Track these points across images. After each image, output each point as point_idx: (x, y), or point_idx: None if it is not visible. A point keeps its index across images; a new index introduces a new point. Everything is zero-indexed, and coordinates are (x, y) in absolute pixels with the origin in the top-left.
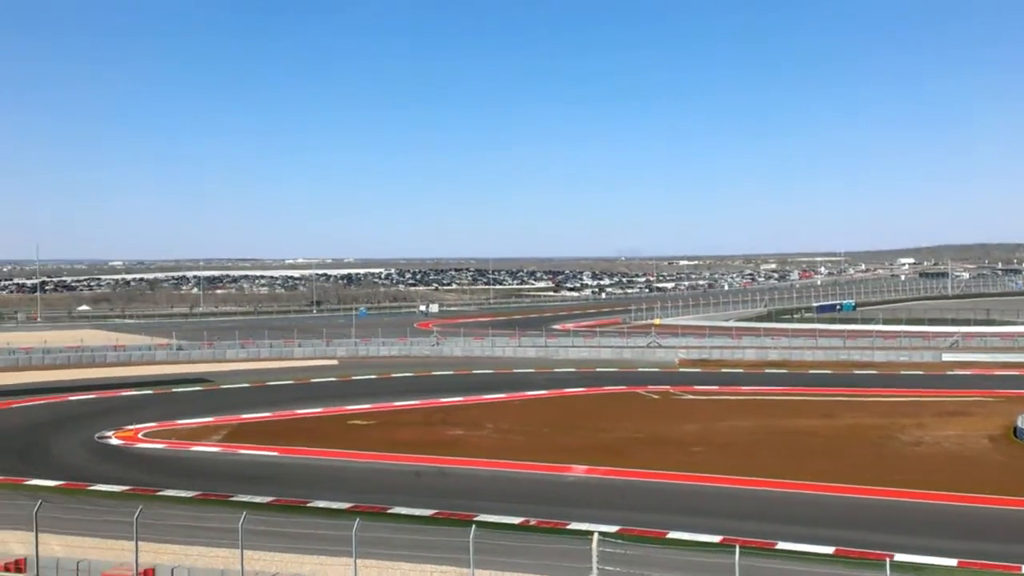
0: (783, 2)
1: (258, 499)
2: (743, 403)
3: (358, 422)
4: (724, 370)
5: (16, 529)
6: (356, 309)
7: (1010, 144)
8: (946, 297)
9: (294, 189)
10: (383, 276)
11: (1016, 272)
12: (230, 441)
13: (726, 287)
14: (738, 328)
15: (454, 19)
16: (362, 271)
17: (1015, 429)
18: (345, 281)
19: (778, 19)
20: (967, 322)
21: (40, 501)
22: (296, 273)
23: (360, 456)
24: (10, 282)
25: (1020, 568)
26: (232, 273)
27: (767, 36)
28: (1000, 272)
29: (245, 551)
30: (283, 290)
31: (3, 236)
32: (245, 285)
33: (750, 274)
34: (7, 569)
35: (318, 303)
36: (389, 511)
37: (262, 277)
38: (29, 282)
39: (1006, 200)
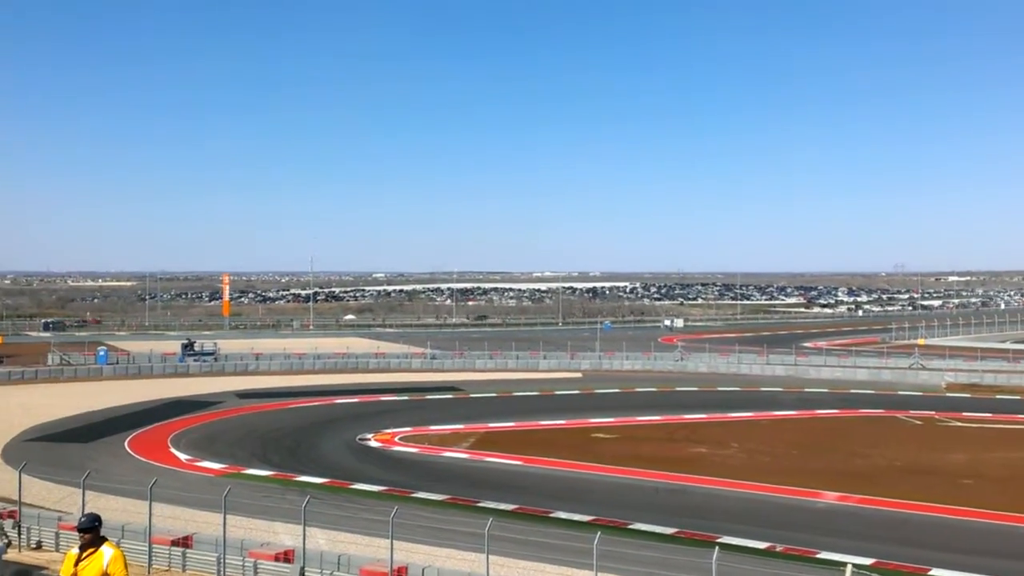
0: None
1: (503, 506)
2: (1021, 433)
3: (600, 435)
4: (999, 396)
5: (287, 522)
6: (601, 323)
7: None
8: None
9: (542, 204)
10: (628, 290)
11: None
12: (477, 448)
13: (1002, 305)
14: (1016, 351)
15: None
16: (607, 285)
17: None
18: (590, 295)
19: None
20: None
21: (308, 497)
22: (543, 286)
23: (602, 470)
24: (288, 292)
25: None
26: (483, 285)
27: None
28: None
29: (491, 556)
30: (530, 303)
31: (283, 250)
32: (495, 297)
33: None
34: (277, 559)
35: (564, 316)
36: (630, 527)
37: (511, 290)
38: (303, 292)
39: None
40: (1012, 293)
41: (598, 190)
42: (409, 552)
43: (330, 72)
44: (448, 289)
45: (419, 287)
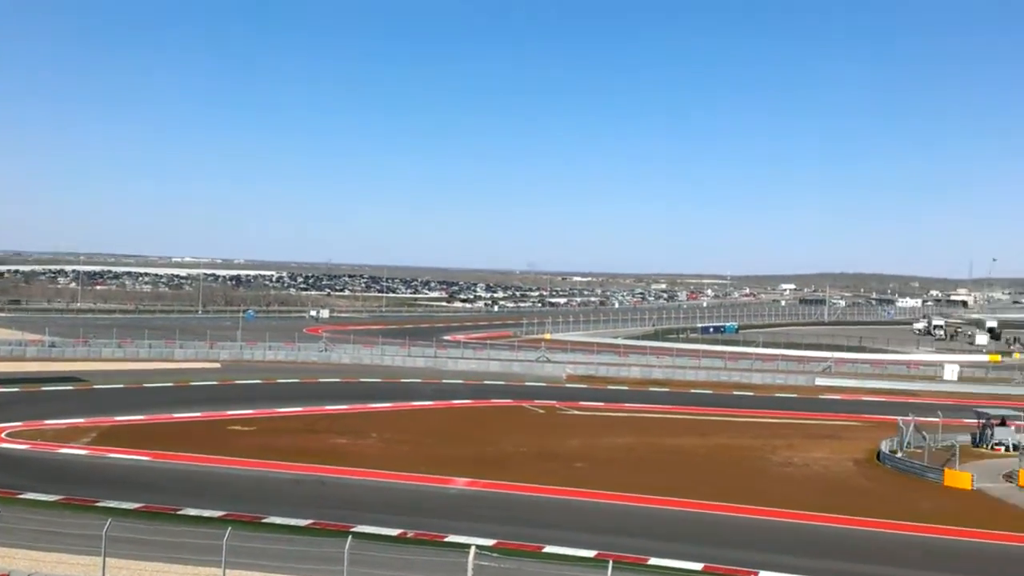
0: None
1: (125, 505)
2: (625, 420)
3: (238, 428)
4: (610, 387)
5: None
6: (244, 311)
7: (889, 184)
8: (823, 323)
9: (182, 185)
10: (274, 279)
11: (889, 302)
12: (100, 444)
13: (617, 304)
14: (625, 346)
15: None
16: (252, 273)
17: (878, 453)
18: (234, 282)
19: (691, 24)
20: (840, 348)
21: None
22: (183, 272)
23: (238, 463)
24: None
25: None
26: (114, 269)
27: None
28: (874, 302)
29: (108, 559)
30: (168, 289)
31: None
32: (128, 282)
33: (641, 293)
34: None
35: (204, 304)
36: (264, 520)
37: (146, 274)
38: None
39: (883, 233)
40: (625, 294)
41: (239, 176)
42: (11, 559)
43: None
44: (73, 271)
45: (38, 268)
